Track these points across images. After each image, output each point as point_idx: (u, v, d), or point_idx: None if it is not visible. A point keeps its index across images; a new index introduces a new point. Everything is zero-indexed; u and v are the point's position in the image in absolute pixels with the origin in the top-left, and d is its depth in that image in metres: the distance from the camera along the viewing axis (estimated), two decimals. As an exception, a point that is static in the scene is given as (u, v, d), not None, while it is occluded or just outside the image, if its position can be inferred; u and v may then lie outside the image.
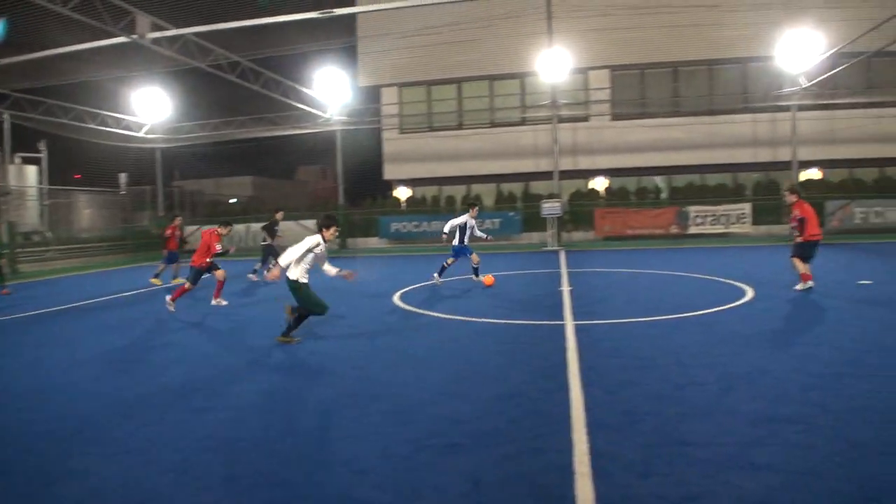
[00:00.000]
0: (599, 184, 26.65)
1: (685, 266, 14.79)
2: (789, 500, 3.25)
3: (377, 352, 7.11)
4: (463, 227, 12.69)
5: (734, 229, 23.03)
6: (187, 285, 10.55)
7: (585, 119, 26.35)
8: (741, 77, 25.82)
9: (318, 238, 7.33)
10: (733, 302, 9.43)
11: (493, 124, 27.41)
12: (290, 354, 7.11)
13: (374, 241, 26.53)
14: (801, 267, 10.14)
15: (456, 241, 12.80)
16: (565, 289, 11.67)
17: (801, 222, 10.01)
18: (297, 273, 7.31)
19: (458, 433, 4.40)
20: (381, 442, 4.29)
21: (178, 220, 15.36)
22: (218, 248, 10.67)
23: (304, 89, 24.68)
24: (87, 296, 13.46)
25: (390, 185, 29.75)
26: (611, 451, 3.97)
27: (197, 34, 17.91)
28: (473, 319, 8.80)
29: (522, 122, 27.03)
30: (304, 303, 7.45)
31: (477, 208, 13.14)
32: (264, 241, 15.38)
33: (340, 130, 27.36)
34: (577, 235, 25.02)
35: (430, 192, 28.08)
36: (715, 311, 8.74)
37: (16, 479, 3.92)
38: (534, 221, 24.50)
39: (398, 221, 25.50)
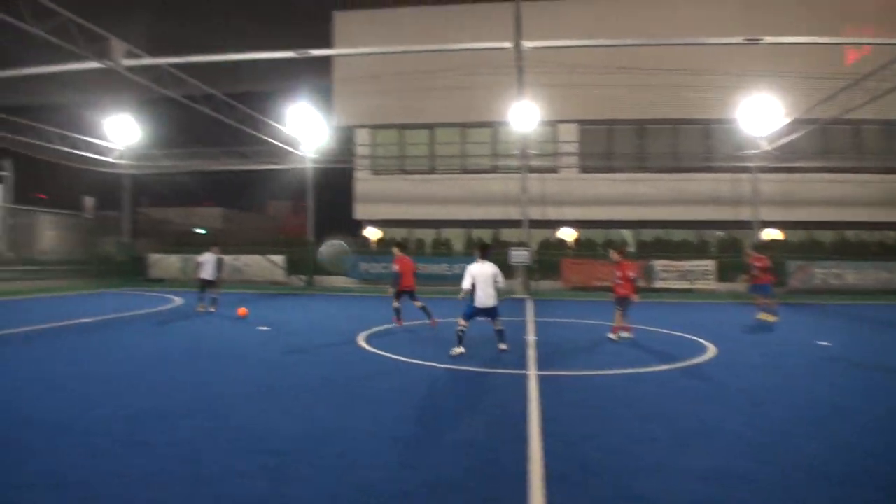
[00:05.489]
0: (567, 234, 27.03)
1: (650, 320, 14.97)
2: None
3: (333, 395, 7.01)
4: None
5: (699, 285, 23.50)
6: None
7: (554, 170, 26.87)
8: (704, 137, 26.72)
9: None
10: (694, 358, 9.57)
11: (465, 170, 27.78)
12: (252, 386, 6.99)
13: (341, 280, 26.39)
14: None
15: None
16: (530, 338, 11.71)
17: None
18: None
19: (410, 481, 4.33)
20: (329, 487, 4.21)
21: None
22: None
23: (278, 125, 24.80)
24: (37, 320, 13.10)
25: (360, 224, 29.76)
26: (566, 504, 3.97)
27: (173, 65, 17.94)
28: (435, 365, 8.75)
29: (493, 169, 27.44)
30: None
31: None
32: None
33: (313, 168, 27.45)
34: (545, 284, 25.25)
35: (399, 233, 28.16)
36: (677, 367, 8.85)
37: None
38: (502, 268, 24.54)
39: (367, 262, 25.44)
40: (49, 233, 28.62)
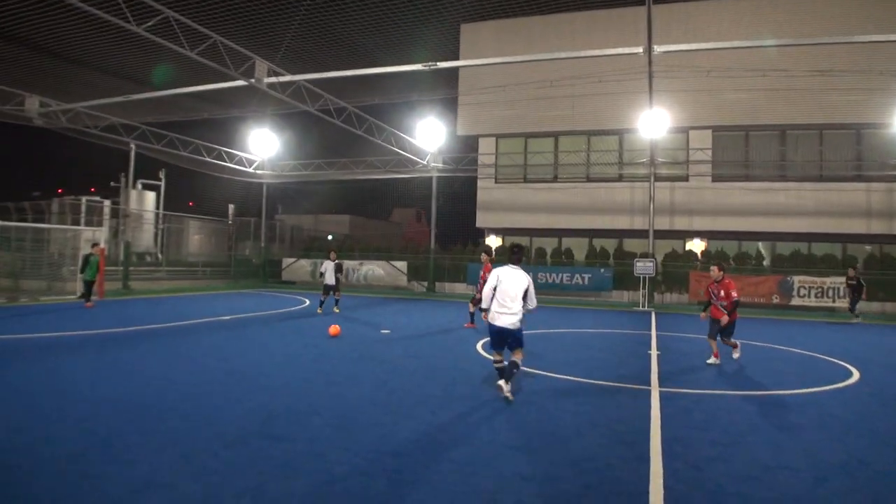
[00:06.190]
0: (696, 246, 25.85)
1: (785, 339, 14.02)
2: None
3: (452, 400, 7.12)
4: None
5: (842, 304, 21.62)
6: None
7: (684, 178, 25.78)
8: (854, 143, 24.58)
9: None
10: (836, 383, 8.84)
11: (589, 179, 27.27)
12: (352, 390, 7.26)
13: (460, 287, 26.72)
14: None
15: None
16: (653, 352, 11.33)
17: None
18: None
19: (526, 492, 4.32)
20: (447, 492, 4.29)
21: None
22: None
23: (405, 136, 25.59)
24: (187, 316, 14.30)
25: (482, 232, 30.02)
26: (690, 530, 3.82)
27: (309, 81, 19.03)
28: (554, 375, 8.66)
29: (619, 178, 26.75)
30: None
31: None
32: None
33: (437, 177, 28.06)
34: (670, 297, 24.26)
35: (521, 241, 28.05)
36: (815, 391, 8.22)
37: (104, 484, 4.18)
38: (626, 280, 24.03)
39: (486, 269, 25.58)
40: (195, 237, 31.15)
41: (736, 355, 10.39)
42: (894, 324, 19.16)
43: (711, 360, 10.17)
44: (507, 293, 7.09)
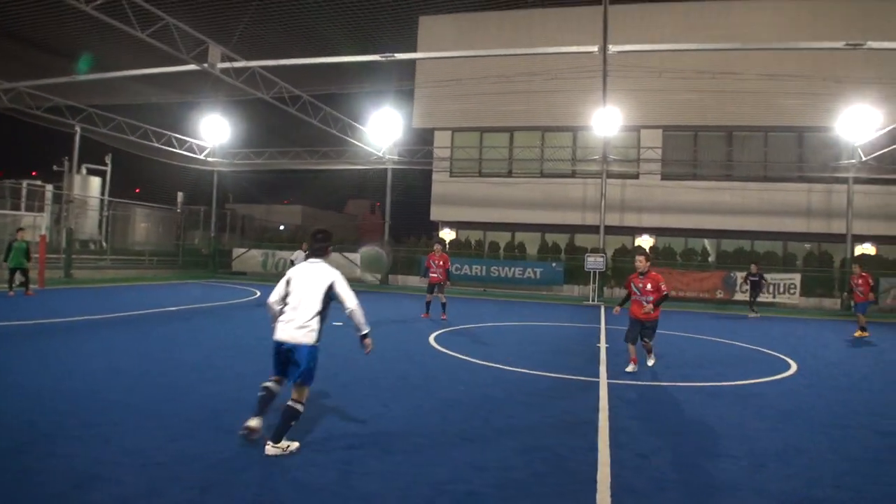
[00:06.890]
0: (645, 242, 26.45)
1: (728, 333, 14.48)
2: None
3: (405, 392, 7.15)
4: None
5: (781, 299, 22.49)
6: None
7: (635, 176, 26.34)
8: (797, 145, 25.54)
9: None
10: (774, 375, 9.19)
11: (543, 175, 27.63)
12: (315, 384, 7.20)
13: (414, 280, 26.72)
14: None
15: None
16: (602, 345, 11.56)
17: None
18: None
19: (479, 482, 4.38)
20: (399, 483, 4.31)
21: None
22: None
23: (360, 126, 25.40)
24: (123, 307, 13.93)
25: (436, 225, 30.08)
26: (634, 517, 3.92)
27: (263, 67, 18.70)
28: (506, 368, 8.77)
29: (572, 174, 27.16)
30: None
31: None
32: None
33: (391, 169, 27.97)
34: (619, 292, 24.75)
35: (474, 235, 28.29)
36: (755, 383, 8.54)
37: (46, 479, 4.05)
38: (576, 274, 24.44)
39: (440, 262, 25.63)
40: (142, 225, 30.31)
41: (651, 362, 9.25)
42: (830, 318, 19.98)
43: (630, 368, 8.77)
44: (298, 295, 4.98)
